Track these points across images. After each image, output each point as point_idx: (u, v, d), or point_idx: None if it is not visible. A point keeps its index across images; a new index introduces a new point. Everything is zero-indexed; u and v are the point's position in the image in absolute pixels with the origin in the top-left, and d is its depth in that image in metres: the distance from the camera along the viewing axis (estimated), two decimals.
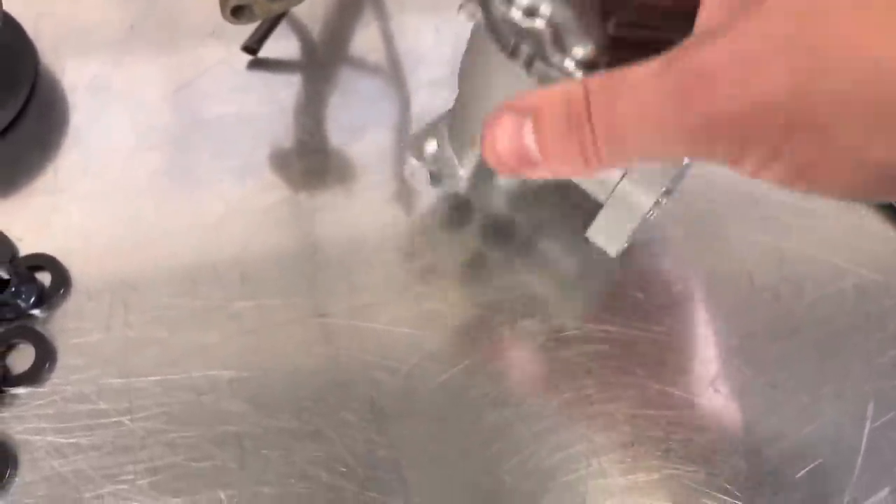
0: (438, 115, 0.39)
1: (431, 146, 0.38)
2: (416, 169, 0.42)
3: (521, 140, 0.24)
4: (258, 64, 0.45)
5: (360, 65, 0.46)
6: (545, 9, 0.28)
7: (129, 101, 0.44)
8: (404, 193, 0.42)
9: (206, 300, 0.39)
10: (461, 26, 0.47)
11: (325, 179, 0.42)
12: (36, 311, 0.38)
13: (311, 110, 0.44)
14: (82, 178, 0.42)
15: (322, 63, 0.46)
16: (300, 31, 0.47)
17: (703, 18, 0.23)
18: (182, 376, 0.37)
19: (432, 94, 0.44)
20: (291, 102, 0.44)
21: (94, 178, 0.42)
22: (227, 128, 0.43)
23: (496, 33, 0.29)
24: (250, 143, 0.43)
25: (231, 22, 0.36)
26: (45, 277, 0.39)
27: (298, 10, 0.46)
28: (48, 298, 0.39)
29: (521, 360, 0.38)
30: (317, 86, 0.45)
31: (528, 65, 0.29)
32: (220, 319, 0.38)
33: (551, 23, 0.28)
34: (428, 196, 0.42)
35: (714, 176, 0.42)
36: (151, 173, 0.42)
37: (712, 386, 0.37)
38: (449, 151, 0.38)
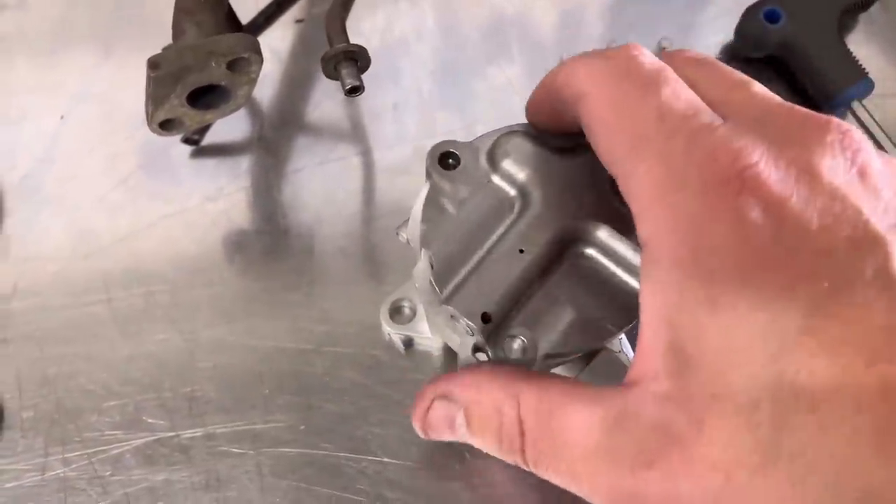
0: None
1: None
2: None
3: (453, 424, 0.25)
4: (201, 153, 0.42)
5: (314, 148, 0.42)
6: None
7: (62, 204, 0.41)
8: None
9: (150, 432, 0.35)
10: (420, 103, 0.44)
11: (276, 286, 0.39)
12: None
13: (261, 203, 0.41)
14: (11, 298, 0.38)
15: (271, 148, 0.42)
16: (250, 106, 0.44)
17: (639, 371, 0.21)
18: None
19: (391, 179, 0.41)
20: (240, 197, 0.41)
21: (23, 297, 0.38)
22: (169, 228, 0.40)
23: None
24: (196, 244, 0.39)
25: (160, 135, 0.32)
26: None
27: None
28: None
29: None
30: (268, 175, 0.42)
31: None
32: (167, 454, 0.35)
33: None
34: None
35: None
36: (88, 282, 0.39)
37: None
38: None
